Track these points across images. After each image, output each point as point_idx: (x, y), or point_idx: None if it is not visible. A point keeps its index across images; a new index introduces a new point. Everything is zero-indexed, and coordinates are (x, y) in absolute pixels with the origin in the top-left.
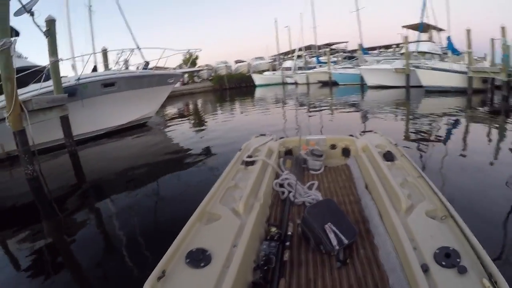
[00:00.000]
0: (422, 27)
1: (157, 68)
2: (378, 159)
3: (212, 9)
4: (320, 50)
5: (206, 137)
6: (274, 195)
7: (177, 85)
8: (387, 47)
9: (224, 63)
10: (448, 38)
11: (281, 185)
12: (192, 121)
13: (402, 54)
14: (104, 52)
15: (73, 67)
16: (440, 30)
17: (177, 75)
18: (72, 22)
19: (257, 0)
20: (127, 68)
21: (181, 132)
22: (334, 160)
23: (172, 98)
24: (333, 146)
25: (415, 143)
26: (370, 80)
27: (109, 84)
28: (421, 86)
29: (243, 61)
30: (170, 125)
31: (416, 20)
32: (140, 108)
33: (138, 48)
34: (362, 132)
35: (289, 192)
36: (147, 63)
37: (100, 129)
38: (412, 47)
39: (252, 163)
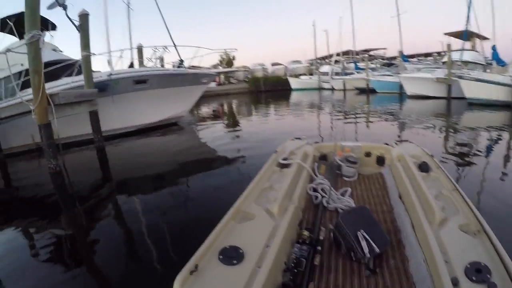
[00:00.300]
0: (466, 35)
1: (192, 67)
2: (413, 169)
3: (250, 10)
4: (357, 56)
5: (239, 139)
6: (308, 199)
7: (212, 85)
8: (426, 55)
9: (261, 65)
10: (493, 48)
11: (315, 190)
12: (226, 122)
13: (444, 63)
14: (140, 49)
15: (109, 62)
16: (484, 38)
17: (211, 75)
18: (110, 18)
19: (296, 2)
20: (162, 65)
21: (213, 132)
22: (368, 168)
23: (206, 98)
24: (368, 154)
25: (452, 156)
26: (409, 89)
27: (141, 81)
28: (463, 98)
29: (280, 64)
30: (203, 125)
31: (458, 28)
32: (172, 107)
33: (174, 45)
34: (398, 141)
35: (323, 197)
36: (181, 61)
37: (130, 126)
38: (454, 56)
39: (287, 165)
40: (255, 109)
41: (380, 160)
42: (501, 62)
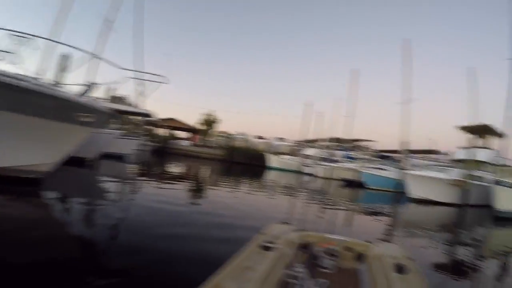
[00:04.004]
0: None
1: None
2: (390, 270)
3: (246, 75)
4: (347, 145)
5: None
6: (284, 285)
7: (187, 143)
8: (429, 152)
9: (243, 134)
10: None
11: (292, 277)
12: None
13: (459, 161)
14: None
15: None
16: (502, 136)
17: (99, 111)
18: None
19: (295, 78)
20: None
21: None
22: (348, 263)
23: (174, 155)
24: (349, 249)
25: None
26: (415, 191)
27: None
28: (486, 206)
29: (263, 138)
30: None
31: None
32: (20, 149)
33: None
34: (380, 240)
35: (300, 286)
36: (91, 85)
37: None
38: (465, 155)
39: (269, 248)
40: (228, 180)
41: (360, 257)
42: None
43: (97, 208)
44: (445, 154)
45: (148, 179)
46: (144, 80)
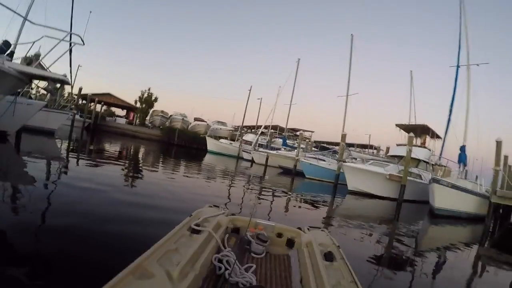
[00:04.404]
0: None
1: None
2: (318, 257)
3: (194, 54)
4: (287, 134)
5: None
6: (211, 269)
7: (121, 121)
8: (366, 146)
9: (183, 115)
10: (463, 148)
11: (220, 261)
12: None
13: (396, 157)
14: None
15: None
16: (437, 137)
17: None
18: None
19: (244, 63)
20: None
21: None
22: (278, 248)
23: (109, 133)
24: (279, 235)
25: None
26: (352, 183)
27: None
28: (422, 202)
29: (203, 121)
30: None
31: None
32: None
33: None
34: (311, 227)
35: (226, 269)
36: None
37: None
38: (397, 151)
39: (198, 232)
40: (164, 162)
41: (290, 243)
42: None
43: (14, 191)
44: (379, 149)
45: (77, 157)
46: (58, 39)
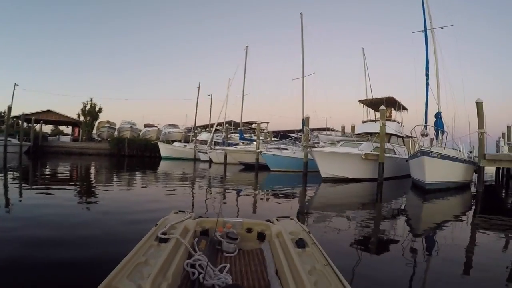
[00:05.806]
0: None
1: None
2: (290, 245)
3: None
4: (243, 128)
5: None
6: (184, 275)
7: (66, 139)
8: (325, 129)
9: (131, 123)
10: (438, 115)
11: (192, 266)
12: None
13: (362, 135)
14: None
15: None
16: (404, 108)
17: None
18: None
19: (191, 62)
20: None
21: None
22: (249, 244)
23: (52, 154)
24: (249, 230)
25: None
26: (325, 169)
27: None
28: (401, 177)
29: (153, 126)
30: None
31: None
32: None
33: None
34: (279, 217)
35: (200, 273)
36: None
37: None
38: (368, 128)
39: (165, 240)
40: (118, 177)
41: (261, 236)
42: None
43: None
44: (338, 130)
45: (21, 186)
46: None
